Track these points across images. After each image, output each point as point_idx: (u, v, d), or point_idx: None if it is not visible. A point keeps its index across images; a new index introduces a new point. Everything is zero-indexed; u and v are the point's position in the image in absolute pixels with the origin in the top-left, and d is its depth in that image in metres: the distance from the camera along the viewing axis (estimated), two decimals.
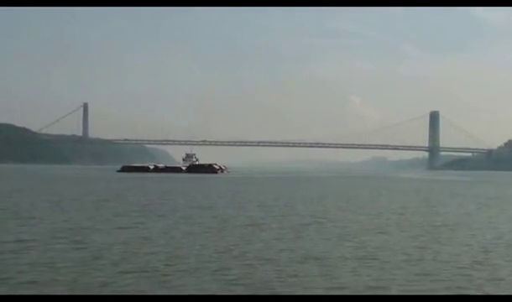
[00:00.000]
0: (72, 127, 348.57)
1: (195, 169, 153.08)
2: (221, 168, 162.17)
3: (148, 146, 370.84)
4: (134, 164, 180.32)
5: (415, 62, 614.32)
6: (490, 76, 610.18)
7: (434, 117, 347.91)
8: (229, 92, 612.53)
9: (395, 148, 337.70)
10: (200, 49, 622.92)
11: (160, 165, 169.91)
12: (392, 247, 21.79)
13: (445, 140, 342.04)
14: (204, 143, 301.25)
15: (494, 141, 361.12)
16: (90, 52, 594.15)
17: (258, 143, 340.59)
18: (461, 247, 22.00)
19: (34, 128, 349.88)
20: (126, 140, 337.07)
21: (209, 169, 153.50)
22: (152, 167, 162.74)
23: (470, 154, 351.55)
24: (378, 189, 76.94)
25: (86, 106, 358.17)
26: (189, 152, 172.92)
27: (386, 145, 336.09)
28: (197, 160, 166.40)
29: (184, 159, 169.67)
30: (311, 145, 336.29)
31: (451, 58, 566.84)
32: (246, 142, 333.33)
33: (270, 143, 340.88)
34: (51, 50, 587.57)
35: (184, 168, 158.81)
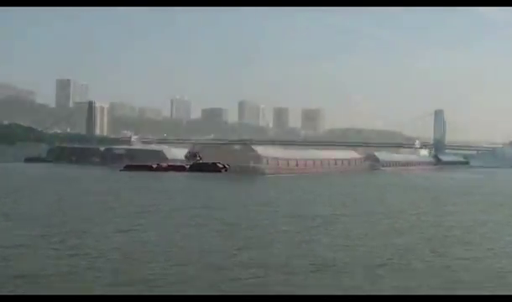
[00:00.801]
0: (77, 126, 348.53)
1: (199, 167, 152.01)
2: (224, 166, 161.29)
3: (152, 144, 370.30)
4: (137, 162, 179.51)
5: (418, 60, 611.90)
6: (494, 74, 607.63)
7: (439, 115, 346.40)
8: (231, 91, 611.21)
9: (399, 145, 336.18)
10: (201, 47, 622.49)
11: (163, 164, 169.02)
12: (408, 251, 20.38)
13: (450, 138, 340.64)
14: (212, 140, 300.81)
15: (499, 139, 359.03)
16: (92, 51, 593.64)
17: (262, 141, 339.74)
18: (482, 252, 20.61)
19: (40, 127, 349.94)
20: (131, 138, 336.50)
21: (212, 167, 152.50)
22: (155, 165, 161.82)
23: (475, 152, 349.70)
24: (384, 186, 75.40)
25: (91, 105, 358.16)
26: (192, 150, 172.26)
27: (390, 142, 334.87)
28: (201, 159, 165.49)
29: (187, 158, 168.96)
30: (314, 143, 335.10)
31: (454, 56, 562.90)
32: (249, 140, 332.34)
33: (273, 141, 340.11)
34: (54, 49, 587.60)
35: (187, 166, 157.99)
